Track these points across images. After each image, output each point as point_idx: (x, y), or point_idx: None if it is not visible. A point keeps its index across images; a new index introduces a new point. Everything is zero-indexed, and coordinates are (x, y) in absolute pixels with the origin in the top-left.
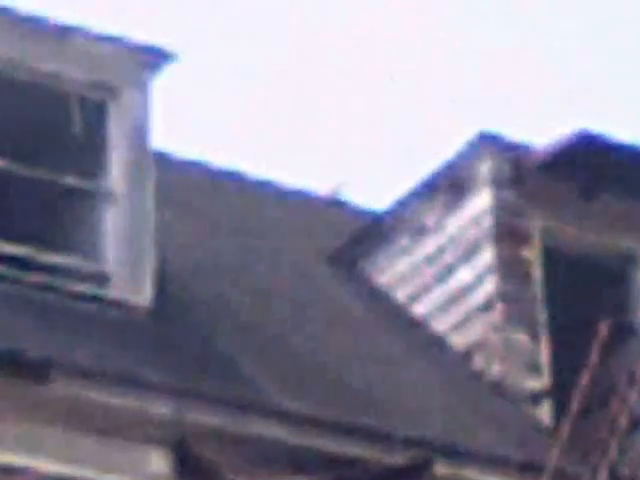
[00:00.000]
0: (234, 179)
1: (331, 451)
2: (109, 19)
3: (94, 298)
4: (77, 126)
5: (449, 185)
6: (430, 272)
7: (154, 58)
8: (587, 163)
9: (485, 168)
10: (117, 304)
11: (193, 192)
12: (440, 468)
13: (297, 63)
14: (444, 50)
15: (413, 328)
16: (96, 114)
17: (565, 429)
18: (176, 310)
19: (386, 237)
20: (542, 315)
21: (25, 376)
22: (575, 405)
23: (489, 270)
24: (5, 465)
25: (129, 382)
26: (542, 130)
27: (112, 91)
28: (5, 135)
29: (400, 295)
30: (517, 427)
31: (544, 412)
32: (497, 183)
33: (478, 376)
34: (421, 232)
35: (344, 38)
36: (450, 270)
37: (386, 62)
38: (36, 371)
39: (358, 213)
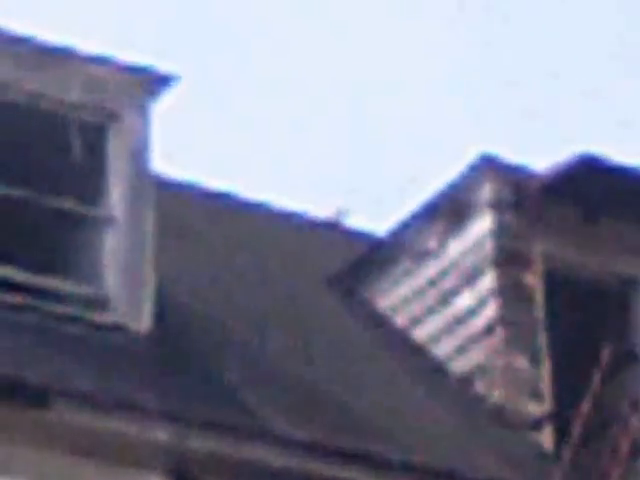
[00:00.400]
0: (235, 203)
1: (331, 477)
2: (109, 42)
3: (93, 323)
4: (76, 150)
5: (450, 209)
6: (431, 296)
7: (155, 82)
8: (589, 186)
9: (486, 192)
10: (116, 329)
11: (193, 216)
12: None
13: (298, 86)
14: (445, 73)
15: (414, 353)
16: (96, 138)
17: (566, 455)
18: (175, 335)
19: (386, 261)
20: (543, 340)
21: (24, 401)
22: (577, 431)
23: (490, 295)
24: None
25: (128, 407)
26: (544, 153)
27: (112, 115)
28: (3, 159)
29: (400, 320)
30: (518, 452)
31: (545, 437)
32: (498, 207)
33: (479, 401)
34: (422, 256)
35: (346, 61)
36: (451, 295)
37: (387, 85)
38: (35, 396)
39: (358, 237)
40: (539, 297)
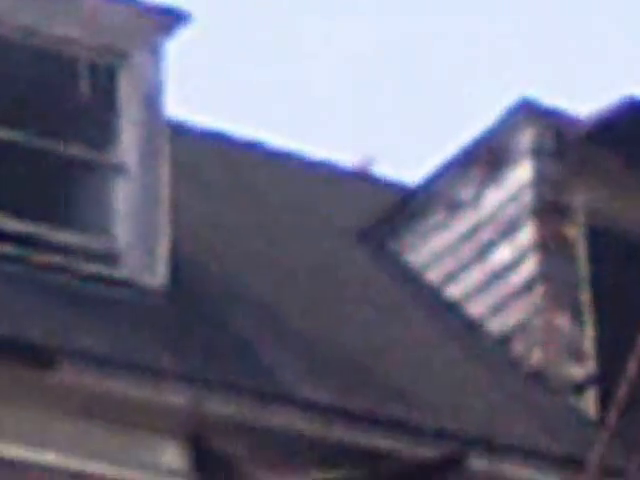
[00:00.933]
0: (255, 150)
1: (357, 444)
2: None
3: (103, 279)
4: (85, 93)
5: (486, 157)
6: (466, 251)
7: (168, 20)
8: (635, 133)
9: (526, 139)
10: (128, 285)
11: (211, 164)
12: (475, 462)
13: (322, 28)
14: (482, 12)
15: (447, 311)
16: (105, 80)
17: (611, 420)
18: (192, 292)
19: (418, 213)
20: (587, 297)
21: (28, 362)
22: (622, 394)
23: (529, 249)
24: (8, 459)
25: (141, 369)
26: (588, 97)
27: (122, 55)
28: (8, 102)
29: (433, 276)
30: (559, 418)
31: (588, 402)
32: (539, 155)
33: (517, 363)
34: (456, 208)
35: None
36: (487, 249)
37: (417, 25)
38: (40, 357)
39: (389, 187)
40: (582, 251)
